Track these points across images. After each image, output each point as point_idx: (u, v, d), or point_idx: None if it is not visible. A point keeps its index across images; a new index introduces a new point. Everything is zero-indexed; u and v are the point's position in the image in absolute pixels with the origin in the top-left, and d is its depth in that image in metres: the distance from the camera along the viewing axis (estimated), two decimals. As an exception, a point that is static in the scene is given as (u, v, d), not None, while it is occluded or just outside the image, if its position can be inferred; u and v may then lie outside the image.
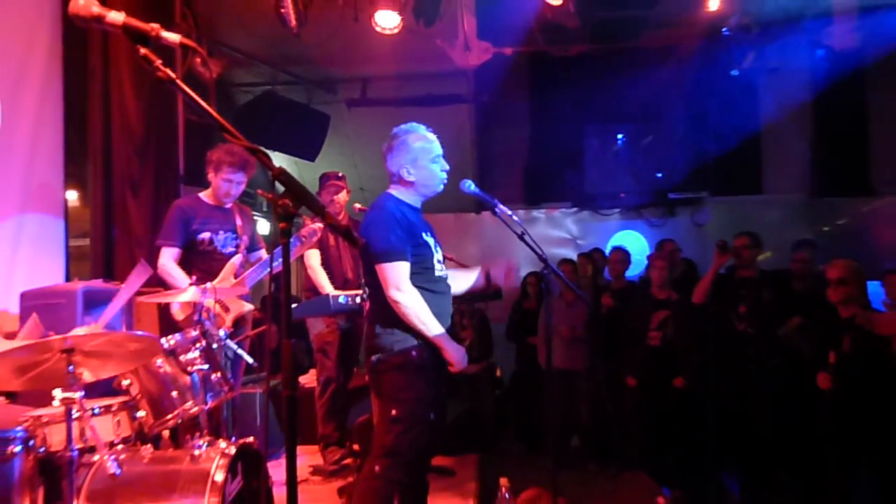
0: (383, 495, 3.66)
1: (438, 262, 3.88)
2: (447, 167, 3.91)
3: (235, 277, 4.80)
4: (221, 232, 4.99)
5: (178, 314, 4.69)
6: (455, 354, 3.75)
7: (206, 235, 4.93)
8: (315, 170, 8.32)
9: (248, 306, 5.05)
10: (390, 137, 3.91)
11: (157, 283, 5.02)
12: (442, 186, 3.94)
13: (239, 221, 5.06)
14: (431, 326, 3.68)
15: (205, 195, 5.07)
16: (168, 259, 4.83)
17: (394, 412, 3.64)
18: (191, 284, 4.20)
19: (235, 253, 4.97)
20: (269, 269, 4.83)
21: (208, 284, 4.12)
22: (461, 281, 4.20)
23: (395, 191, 3.90)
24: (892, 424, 4.00)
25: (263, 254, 5.19)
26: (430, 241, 3.86)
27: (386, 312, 3.69)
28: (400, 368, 3.67)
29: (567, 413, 7.26)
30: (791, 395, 5.89)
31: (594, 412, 7.21)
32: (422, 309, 3.66)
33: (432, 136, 3.93)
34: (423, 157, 3.85)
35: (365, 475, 3.73)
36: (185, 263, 4.87)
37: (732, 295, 6.13)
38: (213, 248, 4.95)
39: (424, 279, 3.75)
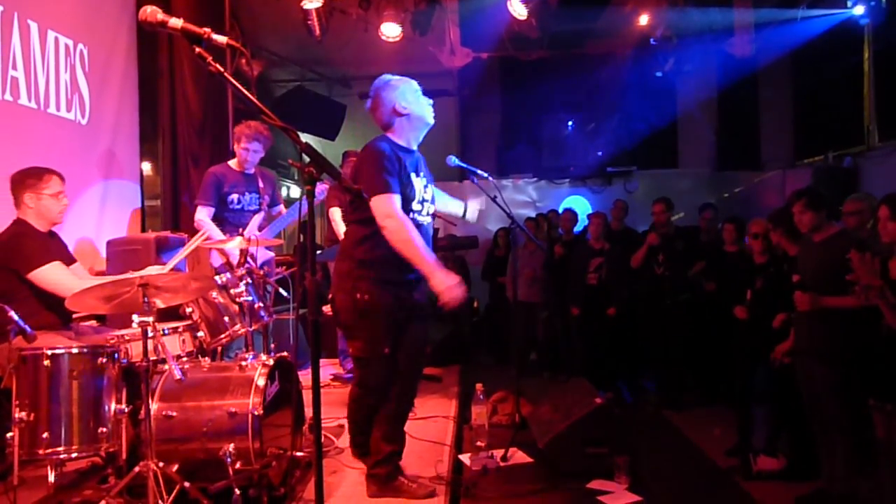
0: (361, 417, 3.44)
1: (419, 202, 3.26)
2: (430, 101, 3.37)
3: (259, 230, 4.58)
4: (247, 193, 4.77)
5: (217, 260, 4.59)
6: (442, 282, 3.00)
7: (234, 196, 4.72)
8: (335, 148, 8.25)
9: (271, 254, 4.91)
10: (371, 97, 3.33)
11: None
12: (432, 119, 3.35)
13: (261, 184, 4.82)
14: (420, 253, 3.01)
15: (232, 163, 4.82)
16: (204, 215, 4.65)
17: (354, 351, 3.29)
18: (238, 235, 4.12)
19: (259, 210, 4.78)
20: (288, 222, 4.72)
21: (253, 236, 4.04)
22: (451, 204, 3.81)
23: (390, 135, 3.30)
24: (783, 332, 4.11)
25: (282, 209, 4.97)
26: (418, 182, 3.26)
27: (342, 258, 3.27)
28: (350, 310, 3.18)
29: (527, 334, 7.28)
30: (696, 320, 5.93)
31: (548, 334, 7.24)
32: (409, 237, 3.01)
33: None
34: (410, 93, 3.29)
35: (350, 397, 3.48)
36: (217, 219, 4.69)
37: (653, 246, 6.11)
38: (241, 207, 4.76)
39: None
